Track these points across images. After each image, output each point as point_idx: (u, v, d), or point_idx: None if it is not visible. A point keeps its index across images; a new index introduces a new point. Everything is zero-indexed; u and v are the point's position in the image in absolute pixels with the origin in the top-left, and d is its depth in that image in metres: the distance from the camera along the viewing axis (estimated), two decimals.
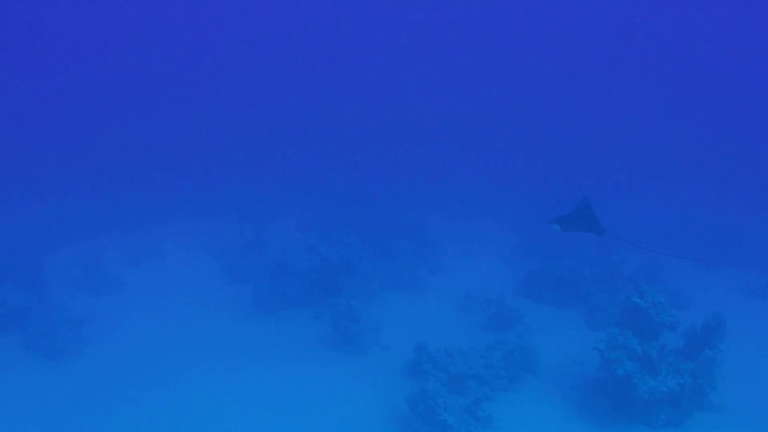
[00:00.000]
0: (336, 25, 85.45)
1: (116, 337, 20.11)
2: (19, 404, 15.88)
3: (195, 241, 30.99)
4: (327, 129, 65.16)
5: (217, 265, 27.29)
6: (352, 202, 33.78)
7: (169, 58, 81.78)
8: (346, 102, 76.44)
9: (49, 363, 18.20)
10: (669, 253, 22.85)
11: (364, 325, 19.17)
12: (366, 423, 14.98)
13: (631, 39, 78.32)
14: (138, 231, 32.89)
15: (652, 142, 59.13)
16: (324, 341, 19.49)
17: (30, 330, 19.05)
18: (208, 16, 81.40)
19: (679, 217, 35.30)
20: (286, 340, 19.88)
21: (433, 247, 28.38)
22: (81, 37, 75.45)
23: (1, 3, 64.38)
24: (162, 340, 19.83)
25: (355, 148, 56.55)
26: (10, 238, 28.93)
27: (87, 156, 52.59)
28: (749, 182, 46.32)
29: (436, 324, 21.13)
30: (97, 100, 69.31)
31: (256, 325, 21.22)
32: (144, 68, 78.56)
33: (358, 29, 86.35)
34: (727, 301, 23.18)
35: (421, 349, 17.28)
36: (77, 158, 51.80)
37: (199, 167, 50.72)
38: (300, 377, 17.29)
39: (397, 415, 15.10)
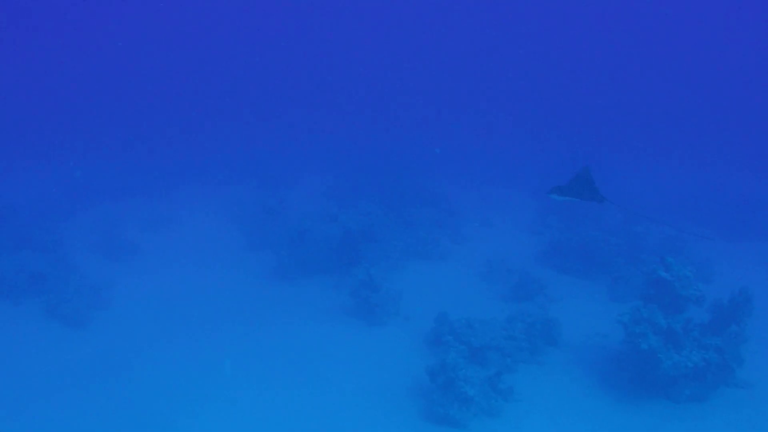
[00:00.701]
0: None
1: (136, 303, 20.14)
2: (40, 371, 15.92)
3: (214, 207, 30.95)
4: (346, 95, 64.87)
5: (236, 231, 27.24)
6: (373, 168, 33.55)
7: (193, 26, 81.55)
8: (366, 68, 76.04)
9: (69, 329, 18.25)
10: (670, 225, 22.78)
11: (385, 295, 19.03)
12: (385, 393, 14.86)
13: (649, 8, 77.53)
14: (157, 196, 32.89)
15: (675, 110, 58.42)
16: (344, 310, 19.40)
17: (50, 296, 19.10)
18: None
19: (703, 187, 34.85)
20: (305, 308, 19.81)
21: (454, 215, 28.17)
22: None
23: None
24: (181, 306, 19.87)
25: (375, 114, 56.29)
26: (28, 203, 28.94)
27: (104, 120, 52.64)
28: None
29: (458, 294, 20.97)
30: (116, 65, 69.27)
31: (276, 293, 21.17)
32: (165, 32, 78.45)
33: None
34: (753, 274, 22.80)
35: (441, 320, 17.15)
36: (95, 123, 51.85)
37: (218, 132, 50.59)
38: (319, 346, 17.22)
39: (416, 386, 14.97)
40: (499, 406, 14.05)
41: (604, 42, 77.41)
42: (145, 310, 19.55)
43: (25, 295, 20.28)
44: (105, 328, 18.36)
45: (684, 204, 31.24)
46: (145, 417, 13.90)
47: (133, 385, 15.18)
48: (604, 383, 15.27)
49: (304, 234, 23.03)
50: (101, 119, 53.28)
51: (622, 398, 14.66)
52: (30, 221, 25.53)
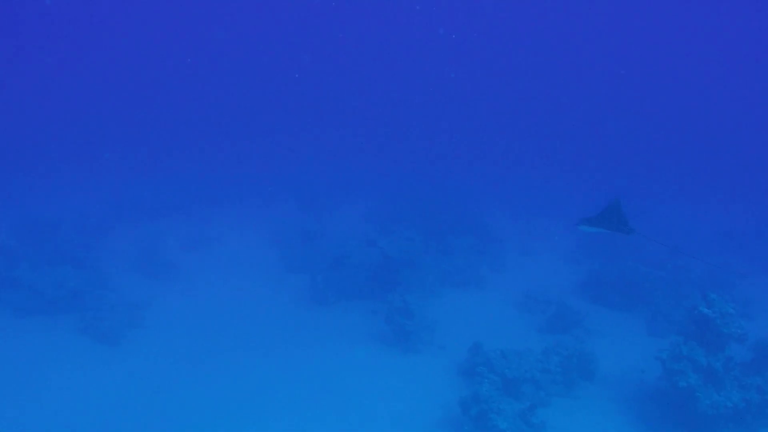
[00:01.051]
0: (400, 16, 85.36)
1: (171, 323, 20.17)
2: (72, 389, 15.98)
3: (254, 228, 31.07)
4: (391, 121, 65.07)
5: (275, 253, 27.28)
6: (414, 194, 33.46)
7: (240, 49, 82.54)
8: (412, 95, 76.29)
9: (104, 347, 18.28)
10: (699, 258, 22.45)
11: (420, 322, 18.84)
12: (416, 423, 14.69)
13: (678, 41, 77.16)
14: (196, 215, 33.14)
15: (722, 143, 57.86)
16: (379, 337, 19.23)
17: (86, 313, 19.17)
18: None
19: (749, 222, 34.31)
20: (341, 333, 19.69)
21: (494, 244, 27.94)
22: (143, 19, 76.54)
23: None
24: (217, 327, 19.84)
25: (419, 141, 56.36)
26: (70, 218, 29.27)
27: (148, 138, 53.32)
28: None
29: (494, 323, 20.75)
30: (165, 86, 70.24)
31: (313, 316, 21.11)
32: (210, 54, 79.52)
33: (420, 21, 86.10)
34: None
35: (476, 350, 16.94)
36: (139, 141, 52.53)
37: (261, 153, 50.95)
38: (353, 372, 17.09)
39: (448, 417, 14.79)
40: None
41: (651, 75, 76.92)
42: (181, 330, 19.56)
43: (63, 312, 20.38)
44: (140, 347, 18.37)
45: (729, 238, 30.77)
46: None
47: (165, 406, 15.15)
48: (640, 421, 14.94)
49: (343, 259, 22.97)
50: (145, 137, 54.02)
51: None
52: (71, 236, 25.81)
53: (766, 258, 28.45)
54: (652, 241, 14.03)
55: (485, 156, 53.00)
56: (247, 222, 32.28)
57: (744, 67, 74.10)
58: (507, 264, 26.80)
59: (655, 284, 22.30)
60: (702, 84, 73.83)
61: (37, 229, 26.12)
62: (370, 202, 35.52)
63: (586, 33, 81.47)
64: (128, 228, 30.51)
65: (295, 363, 17.47)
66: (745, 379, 14.30)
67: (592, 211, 13.49)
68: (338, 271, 22.70)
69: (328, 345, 18.73)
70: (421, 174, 40.35)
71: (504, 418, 13.66)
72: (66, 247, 24.23)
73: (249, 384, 16.22)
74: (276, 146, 53.92)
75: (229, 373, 16.79)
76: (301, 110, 67.96)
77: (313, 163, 47.17)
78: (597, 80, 78.03)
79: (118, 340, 18.59)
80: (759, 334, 16.06)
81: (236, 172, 44.00)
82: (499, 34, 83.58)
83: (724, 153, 55.74)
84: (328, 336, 19.40)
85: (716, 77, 74.19)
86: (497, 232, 29.44)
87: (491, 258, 26.73)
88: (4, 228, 27.41)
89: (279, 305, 22.01)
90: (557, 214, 34.91)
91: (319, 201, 34.58)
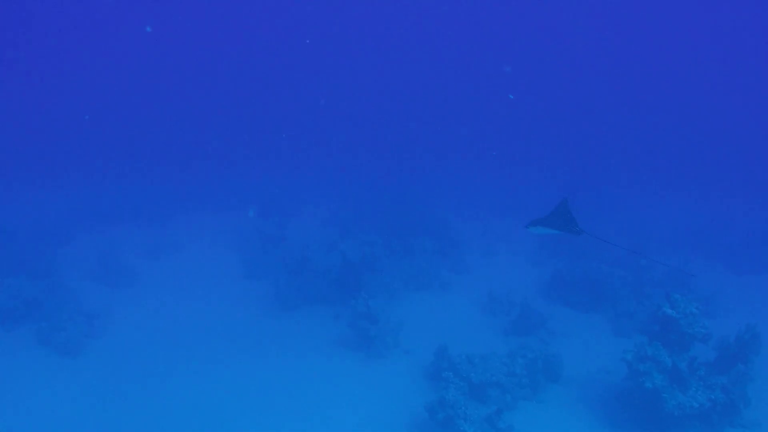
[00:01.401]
0: (362, 18, 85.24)
1: (131, 333, 19.76)
2: (31, 402, 15.57)
3: (214, 234, 30.68)
4: (352, 124, 64.94)
5: (236, 260, 26.96)
6: (375, 197, 33.32)
7: (193, 51, 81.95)
8: (372, 97, 76.23)
9: (62, 358, 17.86)
10: (654, 259, 22.59)
11: (384, 327, 18.67)
12: (382, 429, 14.53)
13: (648, 37, 77.96)
14: (156, 223, 32.67)
15: (685, 142, 58.43)
16: (343, 342, 19.02)
17: (43, 324, 18.73)
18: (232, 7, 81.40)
19: (713, 220, 34.57)
20: (304, 339, 19.44)
21: (456, 245, 27.82)
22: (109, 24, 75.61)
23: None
24: (178, 336, 19.48)
25: (379, 144, 56.25)
26: (25, 227, 28.62)
27: (106, 145, 52.61)
28: None
29: (458, 326, 20.61)
30: (120, 89, 69.46)
31: (275, 323, 20.82)
32: (166, 58, 78.92)
33: (384, 23, 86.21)
34: (761, 309, 22.47)
35: (441, 354, 16.79)
36: (96, 147, 51.80)
37: (220, 159, 50.53)
38: (317, 378, 16.88)
39: (415, 422, 14.65)
40: None
41: (615, 71, 77.60)
42: (141, 340, 19.17)
43: (20, 322, 19.89)
44: (99, 357, 17.98)
45: (692, 236, 30.98)
46: None
47: (126, 417, 14.84)
48: (606, 422, 14.90)
49: (305, 263, 22.74)
50: (102, 143, 53.30)
51: None
52: (27, 245, 25.23)
53: (729, 254, 28.65)
54: (602, 242, 13.99)
55: (445, 157, 53.00)
56: (208, 228, 31.85)
57: (705, 59, 75.04)
58: (470, 265, 26.69)
59: (618, 284, 22.32)
60: (666, 77, 74.54)
61: None
62: (331, 205, 35.28)
63: (539, 26, 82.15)
64: (86, 235, 29.96)
65: (259, 371, 17.21)
66: (710, 379, 14.32)
67: (548, 211, 13.43)
68: (300, 277, 22.47)
69: (292, 352, 18.48)
70: (381, 176, 40.22)
71: (471, 423, 13.56)
72: (22, 255, 23.68)
73: (212, 394, 15.94)
74: (236, 151, 53.49)
75: (192, 383, 16.48)
76: (261, 115, 67.55)
77: (273, 167, 46.85)
78: (556, 76, 78.48)
79: (78, 351, 18.15)
80: (721, 333, 16.11)
81: (197, 177, 43.53)
82: (453, 33, 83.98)
83: (690, 149, 56.34)
84: (292, 343, 19.14)
85: (679, 69, 74.93)
86: (459, 233, 29.32)
87: (454, 260, 26.62)
88: None
89: (241, 312, 21.68)
90: (519, 214, 34.84)
91: (280, 205, 34.23)
